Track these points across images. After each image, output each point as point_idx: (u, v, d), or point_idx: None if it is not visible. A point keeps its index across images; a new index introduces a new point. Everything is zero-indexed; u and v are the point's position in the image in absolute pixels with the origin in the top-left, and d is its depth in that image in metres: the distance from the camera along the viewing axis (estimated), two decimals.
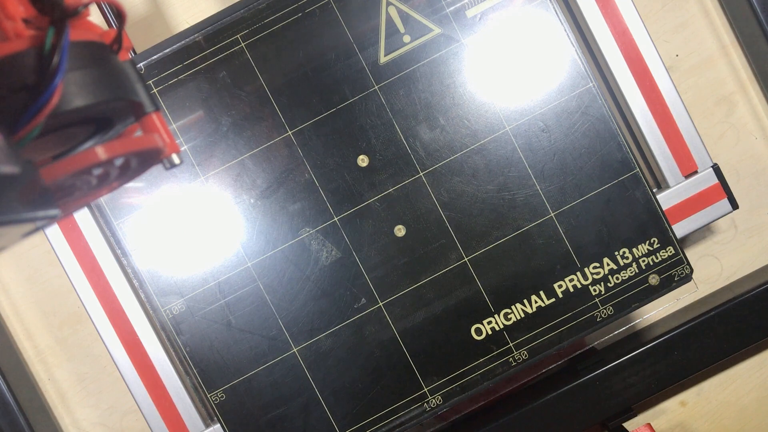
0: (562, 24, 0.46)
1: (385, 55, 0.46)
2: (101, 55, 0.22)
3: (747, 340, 0.51)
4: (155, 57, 0.45)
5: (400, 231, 0.46)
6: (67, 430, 0.55)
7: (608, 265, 0.46)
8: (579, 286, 0.46)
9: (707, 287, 0.56)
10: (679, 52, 0.56)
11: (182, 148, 0.45)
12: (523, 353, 0.46)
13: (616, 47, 0.49)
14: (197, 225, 0.46)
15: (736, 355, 0.54)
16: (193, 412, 0.48)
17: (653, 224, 0.46)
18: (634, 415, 0.51)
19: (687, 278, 0.46)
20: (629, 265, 0.46)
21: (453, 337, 0.46)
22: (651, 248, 0.46)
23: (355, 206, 0.46)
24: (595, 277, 0.46)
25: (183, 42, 0.45)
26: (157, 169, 0.45)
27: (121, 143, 0.22)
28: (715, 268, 0.56)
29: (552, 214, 0.46)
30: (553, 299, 0.46)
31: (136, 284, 0.47)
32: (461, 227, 0.46)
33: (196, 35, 0.45)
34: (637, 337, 0.54)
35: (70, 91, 0.20)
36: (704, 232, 0.56)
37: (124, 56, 0.24)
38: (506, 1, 0.46)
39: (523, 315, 0.46)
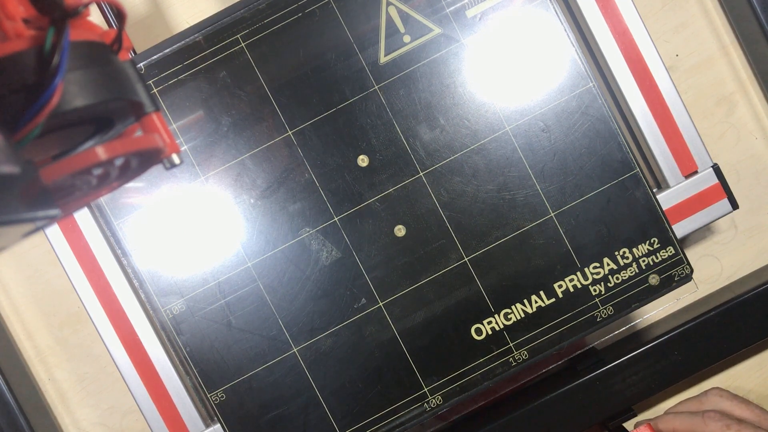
0: (562, 24, 0.46)
1: (385, 55, 0.46)
2: (101, 55, 0.22)
3: (747, 340, 0.51)
4: (155, 57, 0.45)
5: (400, 231, 0.46)
6: (67, 430, 0.55)
7: (608, 265, 0.46)
8: (579, 286, 0.46)
9: (707, 287, 0.56)
10: (679, 52, 0.56)
11: (182, 148, 0.45)
12: (523, 353, 0.46)
13: (616, 47, 0.49)
14: (197, 225, 0.46)
15: (736, 355, 0.54)
16: (193, 412, 0.48)
17: (653, 224, 0.46)
18: (634, 415, 0.51)
19: (687, 278, 0.46)
20: (629, 265, 0.46)
21: (453, 337, 0.46)
22: (651, 248, 0.46)
23: (355, 206, 0.46)
24: (595, 277, 0.46)
25: (183, 42, 0.45)
26: (157, 169, 0.45)
27: (121, 143, 0.22)
28: (715, 268, 0.56)
29: (552, 214, 0.46)
30: (553, 299, 0.46)
31: (136, 284, 0.47)
32: (461, 227, 0.46)
33: (196, 35, 0.45)
34: (637, 337, 0.54)
35: (71, 91, 0.20)
36: (704, 232, 0.56)
37: (124, 56, 0.24)
38: (506, 1, 0.46)
39: (523, 315, 0.46)
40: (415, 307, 0.46)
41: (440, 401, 0.46)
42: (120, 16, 0.23)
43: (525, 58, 0.46)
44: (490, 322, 0.46)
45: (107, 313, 0.48)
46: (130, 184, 0.45)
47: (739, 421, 0.45)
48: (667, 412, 0.49)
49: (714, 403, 0.48)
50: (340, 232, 0.46)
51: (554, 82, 0.46)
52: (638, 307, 0.46)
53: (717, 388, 0.49)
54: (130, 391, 0.48)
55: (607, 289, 0.46)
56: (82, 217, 0.48)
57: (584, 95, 0.46)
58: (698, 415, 0.46)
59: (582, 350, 0.52)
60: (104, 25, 0.48)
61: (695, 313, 0.51)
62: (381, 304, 0.46)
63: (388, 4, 0.45)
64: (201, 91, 0.45)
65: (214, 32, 0.45)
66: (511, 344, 0.46)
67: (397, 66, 0.46)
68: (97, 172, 0.22)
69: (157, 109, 0.24)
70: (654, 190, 0.47)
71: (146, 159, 0.24)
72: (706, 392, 0.49)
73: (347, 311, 0.46)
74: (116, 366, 0.48)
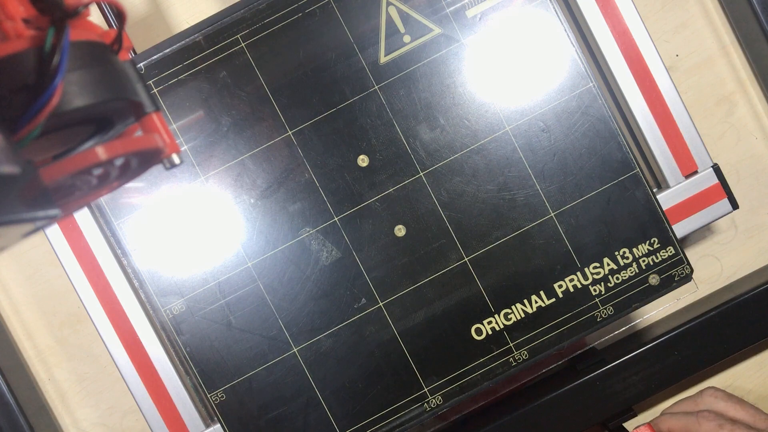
0: (562, 24, 0.46)
1: (385, 55, 0.46)
2: (101, 55, 0.22)
3: (747, 340, 0.51)
4: (155, 57, 0.45)
5: (400, 231, 0.46)
6: (67, 430, 0.55)
7: (608, 265, 0.46)
8: (579, 286, 0.46)
9: (707, 287, 0.56)
10: (679, 52, 0.56)
11: (182, 148, 0.46)
12: (524, 353, 0.46)
13: (616, 47, 0.49)
14: (197, 225, 0.46)
15: (736, 355, 0.54)
16: (193, 412, 0.48)
17: (653, 224, 0.46)
18: (634, 415, 0.51)
19: (687, 278, 0.46)
20: (629, 265, 0.46)
21: (453, 337, 0.46)
22: (651, 248, 0.46)
23: (355, 206, 0.46)
24: (595, 277, 0.46)
25: (183, 42, 0.45)
26: (157, 169, 0.45)
27: (121, 143, 0.22)
28: (715, 268, 0.56)
29: (552, 214, 0.46)
30: (554, 299, 0.46)
31: (136, 284, 0.47)
32: (461, 227, 0.46)
33: (196, 35, 0.45)
34: (637, 337, 0.54)
35: (71, 91, 0.20)
36: (704, 232, 0.56)
37: (125, 56, 0.24)
38: (506, 1, 0.46)
39: (523, 315, 0.46)
40: (415, 307, 0.46)
41: (440, 401, 0.46)
42: (120, 16, 0.23)
43: (525, 58, 0.46)
44: (490, 322, 0.46)
45: (107, 313, 0.48)
46: (130, 184, 0.45)
47: (733, 421, 0.46)
48: (663, 413, 0.49)
49: (709, 403, 0.48)
50: (340, 232, 0.46)
51: (554, 82, 0.46)
52: (638, 307, 0.46)
53: (712, 387, 0.49)
54: (130, 391, 0.48)
55: (607, 289, 0.46)
56: (82, 217, 0.48)
57: (584, 95, 0.46)
58: (692, 415, 0.47)
59: (582, 350, 0.52)
60: (104, 25, 0.48)
61: (695, 313, 0.51)
62: (381, 304, 0.46)
63: (388, 4, 0.45)
64: (201, 91, 0.45)
65: (214, 32, 0.45)
66: (511, 344, 0.46)
67: (397, 66, 0.46)
68: (97, 172, 0.22)
69: (157, 109, 0.24)
70: (654, 190, 0.47)
71: (146, 159, 0.24)
72: (701, 392, 0.49)
73: (347, 311, 0.46)
74: (116, 366, 0.48)
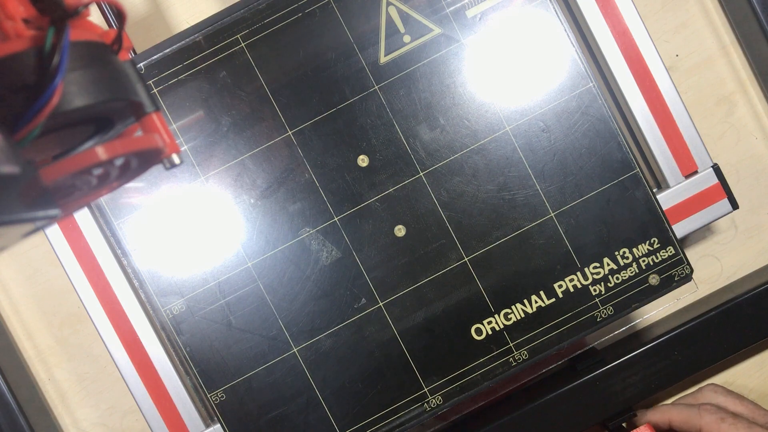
0: (562, 24, 0.46)
1: (385, 55, 0.46)
2: (101, 55, 0.22)
3: (747, 340, 0.51)
4: (155, 57, 0.45)
5: (400, 231, 0.46)
6: (67, 430, 0.55)
7: (608, 265, 0.46)
8: (579, 286, 0.46)
9: (707, 287, 0.56)
10: (679, 52, 0.56)
11: (182, 148, 0.46)
12: (524, 353, 0.46)
13: (616, 47, 0.49)
14: (197, 225, 0.46)
15: (736, 355, 0.54)
16: (193, 412, 0.48)
17: (653, 224, 0.46)
18: (634, 415, 0.51)
19: (687, 278, 0.46)
20: (629, 265, 0.46)
21: (453, 337, 0.46)
22: (651, 248, 0.46)
23: (355, 206, 0.46)
24: (595, 277, 0.46)
25: (183, 42, 0.45)
26: (157, 169, 0.45)
27: (121, 143, 0.22)
28: (715, 268, 0.56)
29: (552, 214, 0.46)
30: (553, 299, 0.46)
31: (136, 284, 0.47)
32: (461, 227, 0.46)
33: (196, 35, 0.45)
34: (637, 337, 0.54)
35: (71, 91, 0.21)
36: (704, 232, 0.56)
37: (125, 56, 0.24)
38: (506, 1, 0.46)
39: (523, 315, 0.46)
40: (415, 307, 0.46)
41: (440, 401, 0.46)
42: (120, 16, 0.23)
43: (525, 58, 0.46)
44: (490, 322, 0.46)
45: (107, 313, 0.48)
46: (130, 184, 0.45)
47: (734, 414, 0.46)
48: (662, 405, 0.50)
49: (709, 399, 0.48)
50: (340, 232, 0.46)
51: (554, 82, 0.46)
52: (638, 307, 0.46)
53: (712, 384, 0.49)
54: (130, 391, 0.48)
55: (607, 289, 0.46)
56: (82, 217, 0.48)
57: (584, 95, 0.46)
58: (694, 407, 0.47)
59: (582, 350, 0.52)
60: (104, 25, 0.48)
61: (695, 313, 0.51)
62: (381, 304, 0.46)
63: (388, 4, 0.45)
64: (201, 91, 0.45)
65: (214, 32, 0.45)
66: (511, 344, 0.46)
67: (397, 66, 0.46)
68: (97, 172, 0.22)
69: (157, 109, 0.24)
70: (654, 190, 0.47)
71: (146, 159, 0.24)
72: (701, 388, 0.49)
73: (347, 311, 0.46)
74: (116, 366, 0.48)
